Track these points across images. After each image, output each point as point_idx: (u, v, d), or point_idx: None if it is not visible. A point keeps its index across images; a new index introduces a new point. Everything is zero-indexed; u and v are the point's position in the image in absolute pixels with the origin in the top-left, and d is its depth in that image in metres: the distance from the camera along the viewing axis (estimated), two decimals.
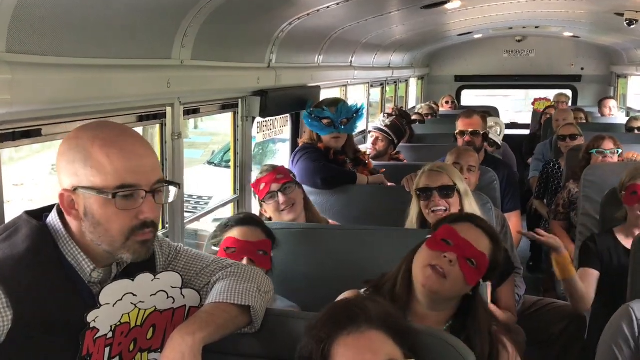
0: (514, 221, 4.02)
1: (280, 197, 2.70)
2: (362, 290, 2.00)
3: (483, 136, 4.23)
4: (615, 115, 7.56)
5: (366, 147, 4.35)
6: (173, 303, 1.51)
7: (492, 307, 2.61)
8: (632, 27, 4.68)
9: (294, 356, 1.44)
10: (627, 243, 2.80)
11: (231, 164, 3.18)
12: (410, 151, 4.91)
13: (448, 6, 4.41)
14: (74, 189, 1.37)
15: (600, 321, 2.73)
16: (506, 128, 8.80)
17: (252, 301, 1.49)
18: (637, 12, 4.48)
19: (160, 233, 2.46)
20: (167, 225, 2.52)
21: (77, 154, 1.37)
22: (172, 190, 1.46)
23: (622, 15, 4.63)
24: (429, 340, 1.46)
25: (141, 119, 2.31)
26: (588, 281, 2.76)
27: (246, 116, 3.12)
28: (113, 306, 1.42)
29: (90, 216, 1.37)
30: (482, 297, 1.93)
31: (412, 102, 9.04)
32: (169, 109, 2.44)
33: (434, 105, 7.78)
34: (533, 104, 8.62)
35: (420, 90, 9.64)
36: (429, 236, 1.90)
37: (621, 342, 2.08)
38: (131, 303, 1.45)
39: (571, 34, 8.36)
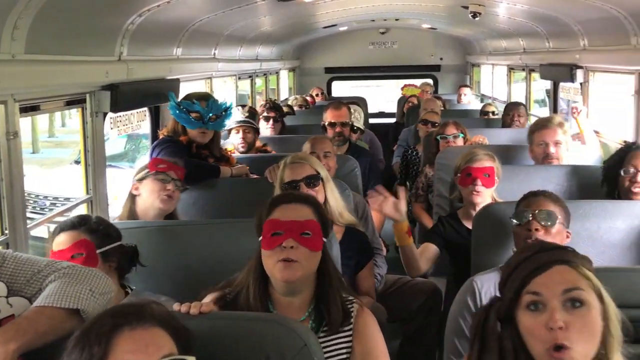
0: None
1: (170, 185, 2.75)
2: (212, 295, 1.98)
3: (350, 126, 4.39)
4: (470, 101, 8.12)
5: (235, 143, 4.31)
6: None
7: None
8: (477, 19, 5.03)
9: None
10: (468, 223, 3.02)
11: (82, 162, 3.02)
12: (279, 143, 4.94)
13: None
14: None
15: (453, 295, 2.95)
16: (374, 117, 9.22)
17: (82, 304, 1.43)
18: (479, 5, 4.82)
19: None
20: (7, 232, 2.34)
21: None
22: None
23: (467, 8, 4.96)
24: (269, 326, 1.50)
25: None
26: (425, 254, 2.95)
27: (96, 112, 2.97)
28: None
29: None
30: (333, 264, 1.97)
31: (284, 94, 9.12)
32: (0, 107, 2.26)
33: (308, 98, 7.90)
34: (402, 89, 9.05)
35: (293, 82, 9.75)
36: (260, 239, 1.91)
37: (466, 314, 2.25)
38: None
39: (429, 26, 8.85)
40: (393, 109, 9.93)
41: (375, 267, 3.19)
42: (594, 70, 4.64)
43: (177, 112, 3.32)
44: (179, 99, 3.44)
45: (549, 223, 2.36)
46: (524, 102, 6.68)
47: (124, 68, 3.13)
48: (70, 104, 2.85)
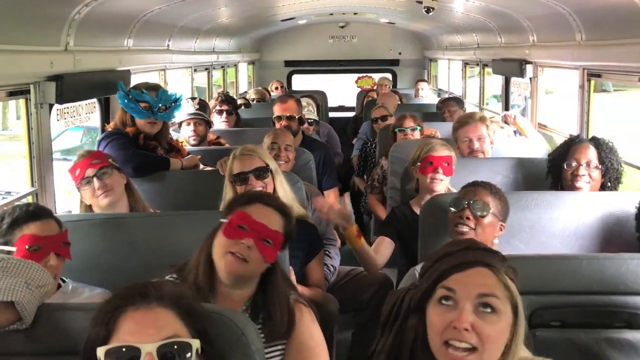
0: (332, 198, 4.25)
1: (96, 183, 2.67)
2: (167, 276, 1.99)
3: (298, 120, 4.37)
4: (427, 95, 8.22)
5: (185, 136, 4.27)
6: None
7: (300, 287, 2.72)
8: (430, 14, 5.09)
9: (70, 349, 1.40)
10: None
11: (26, 154, 2.95)
12: (233, 135, 4.92)
13: None
14: None
15: None
16: (334, 111, 9.25)
17: (16, 296, 1.41)
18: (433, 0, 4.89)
19: None
20: None
21: None
22: None
23: (421, 2, 5.02)
24: (210, 316, 1.50)
25: None
26: (381, 247, 3.00)
27: (40, 103, 2.91)
28: None
29: None
30: (281, 268, 2.01)
31: (243, 87, 9.06)
32: None
33: (265, 91, 7.86)
34: (356, 82, 9.09)
35: (252, 75, 9.69)
36: (223, 220, 1.93)
37: None
38: None
39: (387, 21, 8.92)
40: (353, 102, 10.01)
41: (328, 259, 3.22)
42: (542, 65, 4.76)
43: (126, 101, 3.28)
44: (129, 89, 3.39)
45: (483, 213, 2.43)
46: (478, 96, 6.82)
47: (71, 58, 3.06)
48: (12, 94, 2.78)
